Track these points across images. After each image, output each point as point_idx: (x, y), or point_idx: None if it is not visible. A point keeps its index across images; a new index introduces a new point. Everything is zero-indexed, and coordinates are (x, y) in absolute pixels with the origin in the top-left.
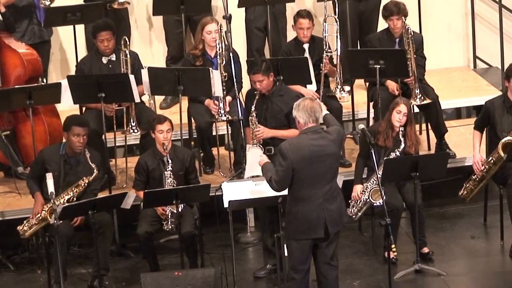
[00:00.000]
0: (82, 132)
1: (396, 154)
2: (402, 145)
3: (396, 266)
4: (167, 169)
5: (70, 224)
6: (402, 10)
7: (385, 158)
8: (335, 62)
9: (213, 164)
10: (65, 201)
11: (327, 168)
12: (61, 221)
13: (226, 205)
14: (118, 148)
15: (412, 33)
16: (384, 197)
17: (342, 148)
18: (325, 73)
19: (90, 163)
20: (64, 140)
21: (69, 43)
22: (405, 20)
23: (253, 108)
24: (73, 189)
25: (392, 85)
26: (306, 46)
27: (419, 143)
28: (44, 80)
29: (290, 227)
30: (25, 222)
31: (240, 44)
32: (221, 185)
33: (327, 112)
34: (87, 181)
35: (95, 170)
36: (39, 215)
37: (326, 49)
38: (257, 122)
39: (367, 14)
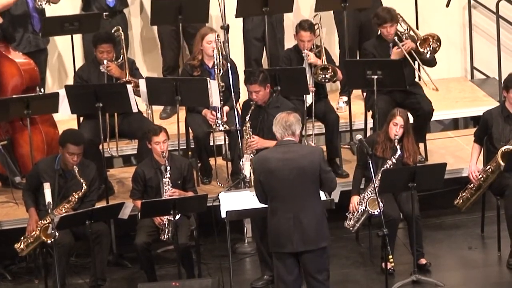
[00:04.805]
0: (76, 151)
1: (392, 161)
2: (398, 153)
3: (393, 277)
4: (165, 177)
5: (70, 234)
6: (394, 17)
7: (382, 168)
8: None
9: (211, 174)
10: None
11: (298, 182)
12: (57, 234)
13: (223, 215)
14: (115, 158)
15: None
16: (382, 206)
17: (340, 158)
18: (310, 63)
19: (79, 177)
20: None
21: (67, 52)
22: (397, 25)
23: (247, 118)
24: (65, 205)
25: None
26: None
27: (417, 154)
28: (42, 90)
29: (269, 239)
30: (22, 239)
31: (237, 54)
32: (218, 195)
33: None
34: (77, 196)
35: (84, 185)
36: (34, 232)
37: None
38: (251, 133)
39: (368, 24)
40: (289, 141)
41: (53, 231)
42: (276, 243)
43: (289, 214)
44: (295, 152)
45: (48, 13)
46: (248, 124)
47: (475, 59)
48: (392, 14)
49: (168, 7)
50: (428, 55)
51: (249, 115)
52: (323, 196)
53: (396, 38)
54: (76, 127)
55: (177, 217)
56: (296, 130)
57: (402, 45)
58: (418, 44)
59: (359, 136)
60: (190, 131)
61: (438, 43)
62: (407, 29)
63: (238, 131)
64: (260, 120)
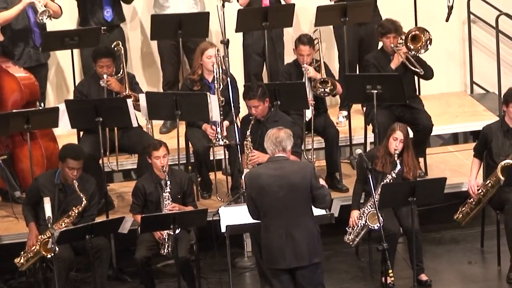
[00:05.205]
0: (76, 165)
1: (392, 176)
2: (398, 167)
3: None
4: (165, 191)
5: (70, 249)
6: (399, 28)
7: (382, 182)
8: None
9: (210, 189)
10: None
11: (288, 198)
12: (57, 248)
13: (223, 229)
14: (115, 172)
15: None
16: (382, 221)
17: (340, 173)
18: (309, 77)
19: (79, 192)
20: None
21: (67, 67)
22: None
23: (248, 133)
24: (64, 219)
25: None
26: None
27: (417, 168)
28: (42, 104)
29: (263, 255)
30: (22, 254)
31: (237, 69)
32: (218, 209)
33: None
34: (77, 211)
35: (83, 200)
36: (34, 247)
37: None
38: (252, 147)
39: (368, 38)
40: (280, 157)
41: (53, 246)
42: (270, 260)
43: (281, 230)
44: (286, 168)
45: (48, 28)
46: (249, 139)
47: (474, 74)
48: (397, 25)
49: (168, 22)
50: (426, 48)
51: (249, 129)
52: (322, 210)
53: (392, 45)
54: (76, 141)
55: (177, 231)
56: (287, 146)
57: (397, 49)
58: (409, 41)
59: (359, 151)
60: (190, 145)
61: (428, 33)
62: (404, 39)
63: (238, 146)
64: (259, 134)
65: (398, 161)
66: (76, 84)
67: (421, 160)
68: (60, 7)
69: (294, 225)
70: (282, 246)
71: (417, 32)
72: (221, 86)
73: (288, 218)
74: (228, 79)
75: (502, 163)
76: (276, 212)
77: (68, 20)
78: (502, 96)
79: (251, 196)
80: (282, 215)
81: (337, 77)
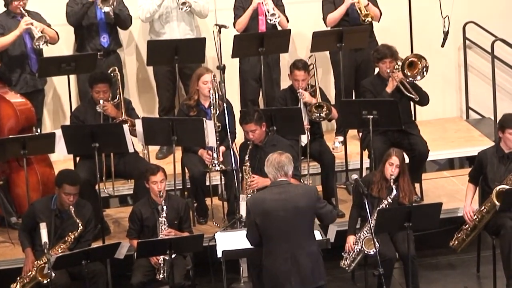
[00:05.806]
0: (73, 191)
1: (388, 201)
2: (394, 192)
3: None
4: (162, 216)
5: (67, 274)
6: (394, 53)
7: (378, 207)
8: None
9: (207, 214)
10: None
11: (294, 222)
12: (53, 274)
13: (219, 255)
14: (111, 198)
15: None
16: (378, 246)
17: (336, 198)
18: (305, 102)
19: (75, 217)
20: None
21: (64, 93)
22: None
23: (246, 158)
24: (61, 245)
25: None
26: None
27: (413, 194)
28: (38, 130)
29: (264, 281)
30: (18, 279)
31: (233, 95)
32: (214, 235)
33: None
34: (73, 236)
35: (80, 225)
36: (30, 273)
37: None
38: (251, 172)
39: (364, 64)
40: (283, 182)
41: (49, 271)
42: (274, 285)
43: (286, 254)
44: (291, 192)
45: (44, 54)
46: (247, 164)
47: (470, 99)
48: (392, 50)
49: (165, 48)
50: (422, 75)
51: (247, 154)
52: (318, 235)
53: (388, 70)
54: (72, 167)
55: (173, 256)
56: (289, 171)
57: (393, 74)
58: (406, 68)
59: (355, 176)
60: (186, 171)
61: (425, 60)
62: (400, 65)
63: (234, 171)
64: (257, 159)
65: (394, 186)
66: (73, 109)
67: (417, 185)
68: (56, 32)
69: (299, 248)
70: (288, 271)
71: (414, 59)
72: (218, 112)
73: (293, 241)
74: (225, 104)
75: (497, 188)
76: (281, 236)
77: (65, 46)
78: (497, 122)
79: (255, 221)
80: (287, 239)
81: (332, 103)
